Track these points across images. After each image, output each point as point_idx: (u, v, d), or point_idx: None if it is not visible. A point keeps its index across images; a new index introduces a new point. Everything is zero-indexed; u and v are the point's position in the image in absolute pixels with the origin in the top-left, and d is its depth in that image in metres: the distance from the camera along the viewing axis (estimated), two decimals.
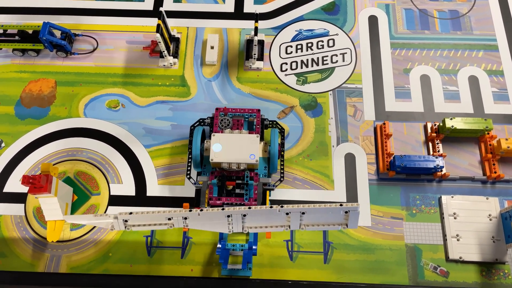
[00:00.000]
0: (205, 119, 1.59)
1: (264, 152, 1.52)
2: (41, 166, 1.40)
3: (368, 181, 1.59)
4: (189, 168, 1.54)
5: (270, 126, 1.59)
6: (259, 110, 1.55)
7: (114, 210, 1.55)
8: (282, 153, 1.55)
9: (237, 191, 1.48)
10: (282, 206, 1.14)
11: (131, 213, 1.14)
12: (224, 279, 1.45)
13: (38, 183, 1.33)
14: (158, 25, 1.62)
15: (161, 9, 1.66)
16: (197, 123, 1.59)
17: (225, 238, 1.49)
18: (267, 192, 1.51)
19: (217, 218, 1.17)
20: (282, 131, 1.59)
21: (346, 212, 1.13)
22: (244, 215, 1.17)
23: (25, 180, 1.33)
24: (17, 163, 1.63)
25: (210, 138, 1.48)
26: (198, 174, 1.52)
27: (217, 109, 1.56)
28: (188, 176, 1.52)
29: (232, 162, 1.44)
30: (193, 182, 1.51)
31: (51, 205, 1.42)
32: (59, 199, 1.43)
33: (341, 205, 1.11)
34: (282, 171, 1.53)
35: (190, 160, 1.55)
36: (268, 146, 1.51)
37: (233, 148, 1.44)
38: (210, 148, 1.45)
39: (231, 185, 1.47)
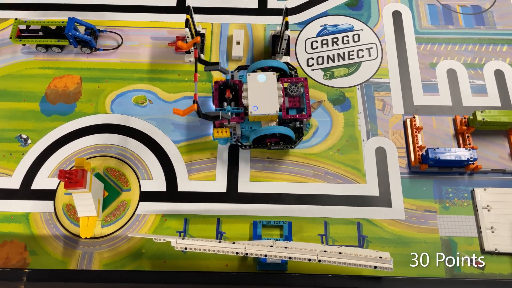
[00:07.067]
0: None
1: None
2: (75, 160, 1.38)
3: (400, 175, 1.58)
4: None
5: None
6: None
7: (145, 206, 1.53)
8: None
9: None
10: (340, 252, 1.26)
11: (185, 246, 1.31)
12: (260, 274, 1.43)
13: (75, 177, 1.31)
14: (187, 20, 1.61)
15: (189, 3, 1.65)
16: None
17: (259, 234, 1.48)
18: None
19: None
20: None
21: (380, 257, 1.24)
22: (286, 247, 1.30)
23: (62, 174, 1.31)
24: (44, 160, 1.60)
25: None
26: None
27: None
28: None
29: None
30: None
31: (85, 201, 1.40)
32: (92, 195, 1.41)
33: (375, 267, 1.21)
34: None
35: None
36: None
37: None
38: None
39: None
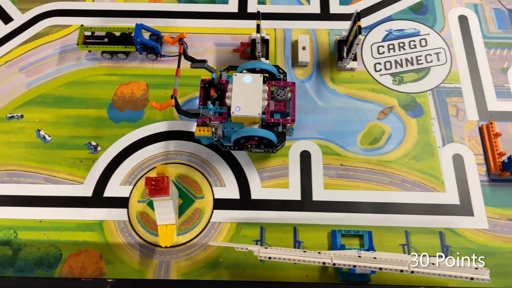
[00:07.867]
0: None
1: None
2: (157, 168, 1.36)
3: (480, 182, 1.54)
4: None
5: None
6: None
7: (220, 213, 1.50)
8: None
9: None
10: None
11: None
12: (343, 285, 1.39)
13: (161, 184, 1.28)
14: (258, 25, 1.59)
15: (258, 9, 1.63)
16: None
17: (342, 244, 1.44)
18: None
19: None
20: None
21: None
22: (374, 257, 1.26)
23: (148, 182, 1.28)
24: (115, 168, 1.59)
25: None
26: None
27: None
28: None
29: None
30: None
31: (165, 209, 1.38)
32: (172, 202, 1.39)
33: (472, 278, 1.17)
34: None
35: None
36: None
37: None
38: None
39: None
